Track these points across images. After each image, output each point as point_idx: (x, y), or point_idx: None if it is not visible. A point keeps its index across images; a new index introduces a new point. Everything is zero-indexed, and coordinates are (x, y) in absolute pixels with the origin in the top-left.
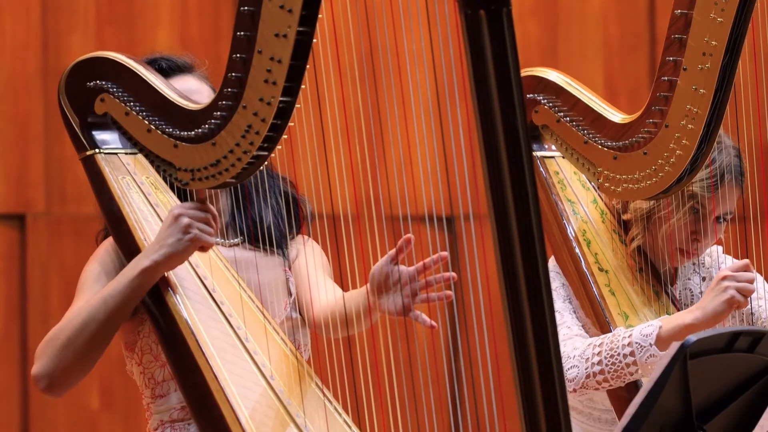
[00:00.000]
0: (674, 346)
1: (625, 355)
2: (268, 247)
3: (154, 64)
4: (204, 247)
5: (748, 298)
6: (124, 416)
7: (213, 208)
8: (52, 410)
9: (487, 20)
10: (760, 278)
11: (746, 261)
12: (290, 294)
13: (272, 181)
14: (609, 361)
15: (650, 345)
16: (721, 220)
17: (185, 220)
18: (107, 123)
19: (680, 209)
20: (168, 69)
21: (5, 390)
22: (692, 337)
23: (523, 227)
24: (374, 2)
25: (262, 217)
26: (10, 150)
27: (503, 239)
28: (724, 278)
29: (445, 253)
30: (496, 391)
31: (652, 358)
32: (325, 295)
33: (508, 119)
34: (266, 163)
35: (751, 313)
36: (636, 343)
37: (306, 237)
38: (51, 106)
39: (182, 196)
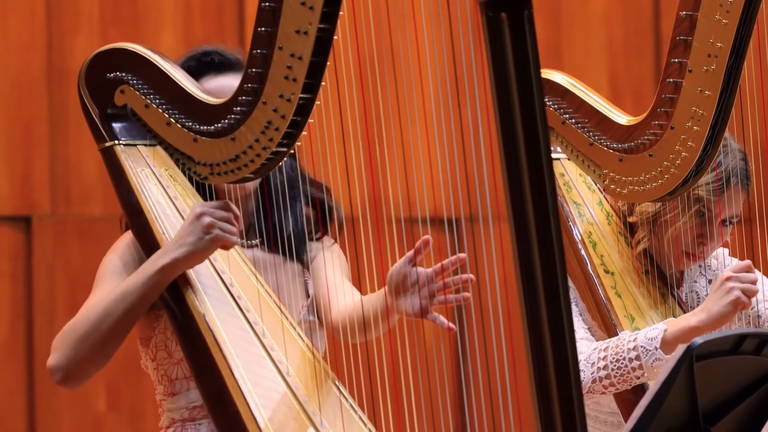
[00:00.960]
0: (680, 348)
1: (630, 359)
2: (287, 254)
3: (207, 57)
4: (226, 246)
5: (753, 300)
6: (130, 418)
7: (236, 208)
8: (58, 411)
9: (508, 23)
10: (766, 280)
11: (748, 262)
12: (307, 296)
13: (301, 186)
14: (615, 365)
15: (655, 348)
16: (727, 223)
17: (207, 220)
18: (127, 114)
19: (686, 212)
20: (219, 65)
21: (11, 391)
22: (698, 340)
23: (541, 230)
24: (395, 1)
25: (283, 225)
26: (15, 151)
27: (521, 242)
28: (728, 279)
29: (463, 255)
30: (512, 391)
31: (657, 361)
32: (343, 298)
33: (528, 122)
34: (297, 167)
35: (758, 315)
36: (641, 346)
37: (330, 239)
38: (56, 107)
39: (201, 188)
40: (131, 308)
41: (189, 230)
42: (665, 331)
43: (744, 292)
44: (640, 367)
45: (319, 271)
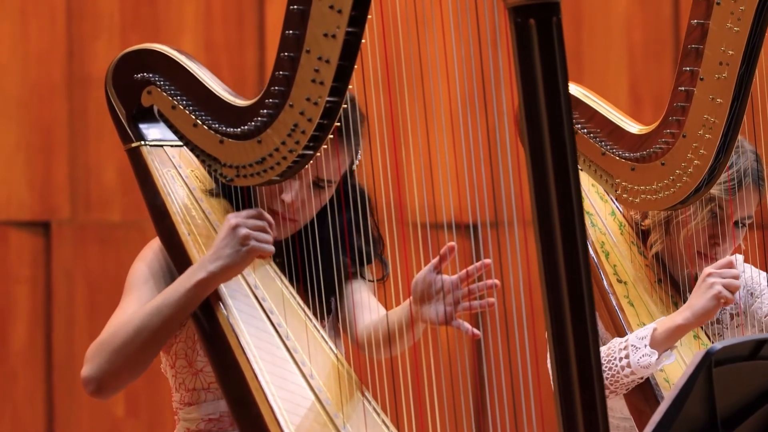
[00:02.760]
0: (699, 353)
1: (620, 359)
2: (315, 295)
3: None
4: (263, 256)
5: (765, 307)
6: (148, 423)
7: (269, 217)
8: (76, 417)
9: (536, 29)
10: None
11: (730, 259)
12: (329, 312)
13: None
14: (606, 366)
15: (645, 346)
16: (740, 224)
17: (243, 231)
18: (153, 115)
19: (699, 213)
20: None
21: (30, 396)
22: (717, 345)
23: (567, 235)
24: (423, 5)
25: (313, 273)
26: (35, 157)
27: (546, 247)
28: (709, 275)
29: (489, 261)
30: (535, 398)
31: (645, 357)
32: (369, 314)
33: (555, 126)
34: (352, 218)
35: None
36: (631, 345)
37: (369, 273)
38: (76, 112)
39: (226, 190)
40: (167, 321)
41: (224, 242)
42: (655, 330)
43: (726, 286)
44: (628, 365)
45: (345, 287)
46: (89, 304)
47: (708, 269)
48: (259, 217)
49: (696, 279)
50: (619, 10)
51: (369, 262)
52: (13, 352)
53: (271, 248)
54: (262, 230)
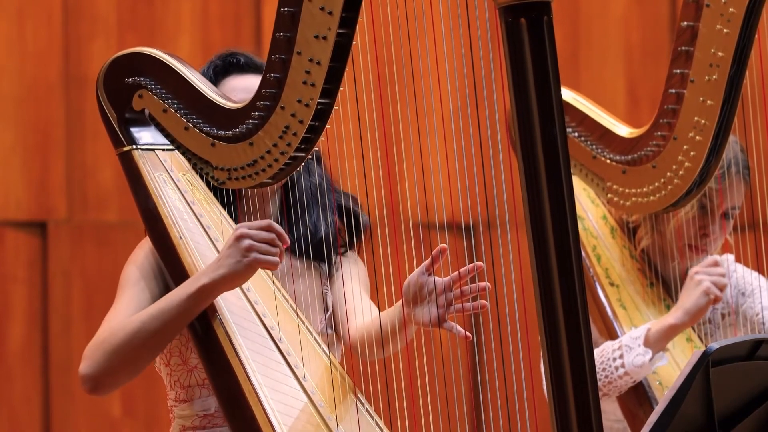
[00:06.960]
0: (696, 353)
1: (614, 359)
2: (306, 257)
3: (233, 57)
4: (269, 269)
5: (758, 307)
6: (145, 423)
7: (280, 229)
8: (73, 417)
9: (527, 28)
10: None
11: (716, 258)
12: (326, 309)
13: (329, 194)
14: (600, 367)
15: (639, 345)
16: (729, 216)
17: (246, 243)
18: (145, 119)
19: (687, 204)
20: (245, 65)
21: (27, 397)
22: (714, 345)
23: (559, 236)
24: (414, 6)
25: (308, 228)
26: (31, 157)
27: (539, 248)
28: (696, 273)
29: (480, 263)
30: (529, 400)
31: (638, 357)
32: (362, 315)
33: (546, 127)
34: (325, 175)
35: (763, 323)
36: (625, 345)
37: (353, 253)
38: (72, 112)
39: (218, 193)
40: (167, 325)
41: (228, 252)
42: (649, 330)
43: (714, 283)
44: (623, 365)
45: (339, 285)
46: (86, 305)
47: (694, 269)
48: (268, 228)
49: (686, 274)
50: (616, 10)
51: (354, 223)
52: (10, 353)
53: (276, 261)
54: (270, 242)
